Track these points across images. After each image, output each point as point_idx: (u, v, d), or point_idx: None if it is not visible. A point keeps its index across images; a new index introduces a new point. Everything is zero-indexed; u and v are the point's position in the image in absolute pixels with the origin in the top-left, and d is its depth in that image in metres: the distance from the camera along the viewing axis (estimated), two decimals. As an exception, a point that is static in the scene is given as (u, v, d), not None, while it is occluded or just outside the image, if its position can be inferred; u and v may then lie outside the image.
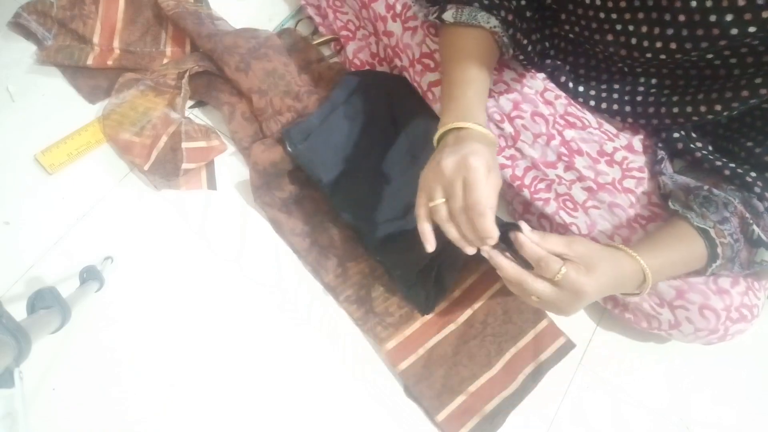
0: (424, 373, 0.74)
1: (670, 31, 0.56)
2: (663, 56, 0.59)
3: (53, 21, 0.94)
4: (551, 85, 0.73)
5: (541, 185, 0.73)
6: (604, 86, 0.72)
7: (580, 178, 0.71)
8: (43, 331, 0.57)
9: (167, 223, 0.83)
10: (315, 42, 0.97)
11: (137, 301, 0.78)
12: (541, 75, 0.74)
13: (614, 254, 0.58)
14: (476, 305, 0.78)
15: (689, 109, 0.64)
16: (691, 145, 0.68)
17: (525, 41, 0.68)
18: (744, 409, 0.76)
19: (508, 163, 0.75)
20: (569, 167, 0.71)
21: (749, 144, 0.64)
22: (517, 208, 0.82)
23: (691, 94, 0.64)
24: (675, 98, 0.65)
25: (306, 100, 0.88)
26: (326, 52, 0.97)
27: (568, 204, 0.72)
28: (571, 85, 0.73)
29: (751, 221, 0.60)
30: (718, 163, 0.65)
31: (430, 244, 0.58)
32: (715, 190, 0.62)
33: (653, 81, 0.67)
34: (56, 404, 0.72)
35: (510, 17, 0.65)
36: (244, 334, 0.76)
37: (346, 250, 0.81)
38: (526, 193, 0.74)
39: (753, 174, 0.62)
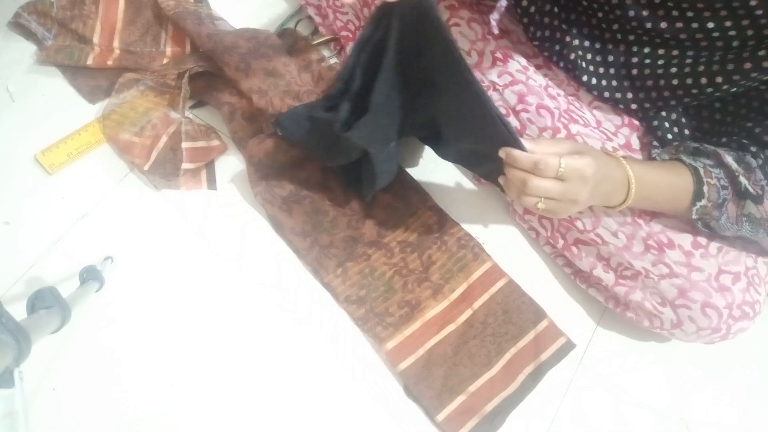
0: (423, 373, 0.74)
1: None
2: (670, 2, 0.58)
3: (53, 21, 0.94)
4: (552, 82, 0.73)
5: None
6: (599, 57, 0.71)
7: None
8: (43, 331, 0.57)
9: (167, 223, 0.83)
10: (315, 42, 0.97)
11: (137, 301, 0.78)
12: (543, 71, 0.74)
13: (601, 154, 0.60)
14: (476, 305, 0.78)
15: (689, 81, 0.63)
16: (687, 142, 0.68)
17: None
18: (745, 408, 0.76)
19: None
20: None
21: (748, 125, 0.64)
22: (517, 209, 0.82)
23: (690, 66, 0.63)
24: (673, 70, 0.65)
25: (306, 100, 0.88)
26: (326, 52, 0.97)
27: None
28: (572, 56, 0.72)
29: (737, 173, 0.61)
30: (714, 138, 0.66)
31: None
32: (705, 144, 0.63)
33: (646, 50, 0.66)
34: (56, 404, 0.72)
35: None
36: (244, 334, 0.76)
37: (346, 249, 0.81)
38: None
39: (746, 141, 0.63)
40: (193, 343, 0.76)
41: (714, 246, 0.66)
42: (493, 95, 0.72)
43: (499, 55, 0.73)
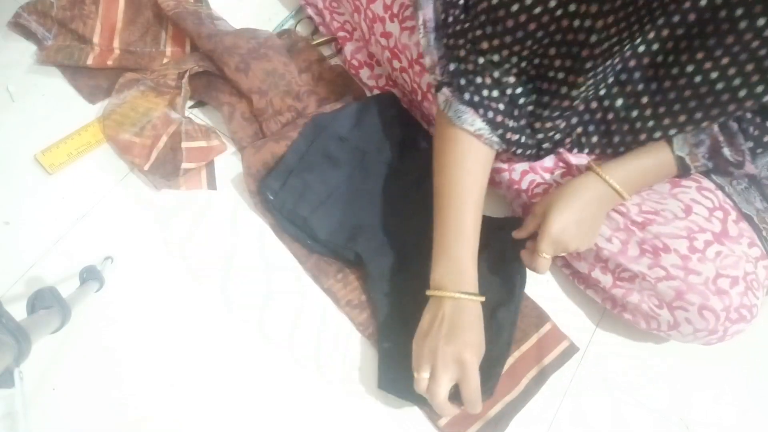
0: (425, 377, 0.74)
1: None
2: None
3: (53, 21, 0.94)
4: None
5: (538, 189, 0.73)
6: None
7: None
8: (43, 331, 0.57)
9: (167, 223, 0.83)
10: (315, 42, 0.97)
11: (137, 301, 0.78)
12: None
13: (569, 193, 0.65)
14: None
15: (667, 121, 0.63)
16: None
17: (517, 137, 0.67)
18: (745, 408, 0.76)
19: (505, 166, 0.75)
20: (567, 174, 0.71)
21: None
22: (516, 210, 0.82)
23: (672, 114, 0.62)
24: (650, 124, 0.64)
25: (306, 100, 0.88)
26: (327, 52, 0.97)
27: None
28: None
29: (723, 145, 0.63)
30: None
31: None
32: None
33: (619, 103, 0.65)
34: (56, 404, 0.72)
35: (498, 119, 0.64)
36: (244, 334, 0.76)
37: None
38: (524, 197, 0.74)
39: None
40: (194, 343, 0.76)
41: (712, 250, 0.65)
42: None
43: None
